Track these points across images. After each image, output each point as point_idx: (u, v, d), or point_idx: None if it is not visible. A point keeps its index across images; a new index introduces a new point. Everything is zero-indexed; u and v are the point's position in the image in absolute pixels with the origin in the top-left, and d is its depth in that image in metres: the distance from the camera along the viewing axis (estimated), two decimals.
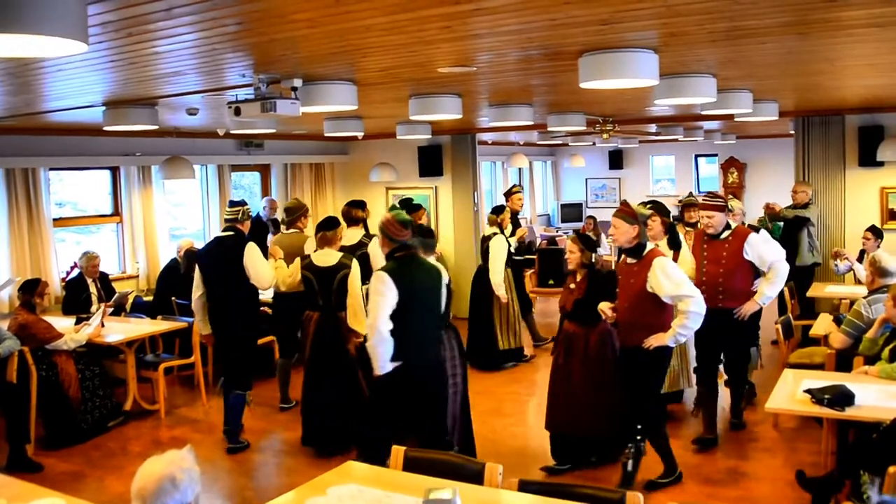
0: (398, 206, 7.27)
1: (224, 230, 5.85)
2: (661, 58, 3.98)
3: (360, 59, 4.00)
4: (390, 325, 4.15)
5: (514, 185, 9.29)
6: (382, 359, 4.19)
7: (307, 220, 7.09)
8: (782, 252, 5.45)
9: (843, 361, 4.83)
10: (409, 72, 4.58)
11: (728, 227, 5.44)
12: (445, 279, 4.54)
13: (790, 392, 4.18)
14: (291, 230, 6.98)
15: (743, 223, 5.86)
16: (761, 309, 5.61)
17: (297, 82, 4.42)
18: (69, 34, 2.17)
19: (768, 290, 5.30)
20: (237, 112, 4.31)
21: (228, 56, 3.72)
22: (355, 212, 7.06)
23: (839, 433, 4.12)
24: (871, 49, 4.25)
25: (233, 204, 5.88)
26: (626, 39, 3.67)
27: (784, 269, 5.30)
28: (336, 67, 4.27)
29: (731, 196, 6.72)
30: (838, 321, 5.12)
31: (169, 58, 3.67)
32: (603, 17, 3.14)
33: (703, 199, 5.56)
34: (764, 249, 5.34)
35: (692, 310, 4.42)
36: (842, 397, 3.81)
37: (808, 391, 3.97)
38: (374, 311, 4.17)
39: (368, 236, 6.93)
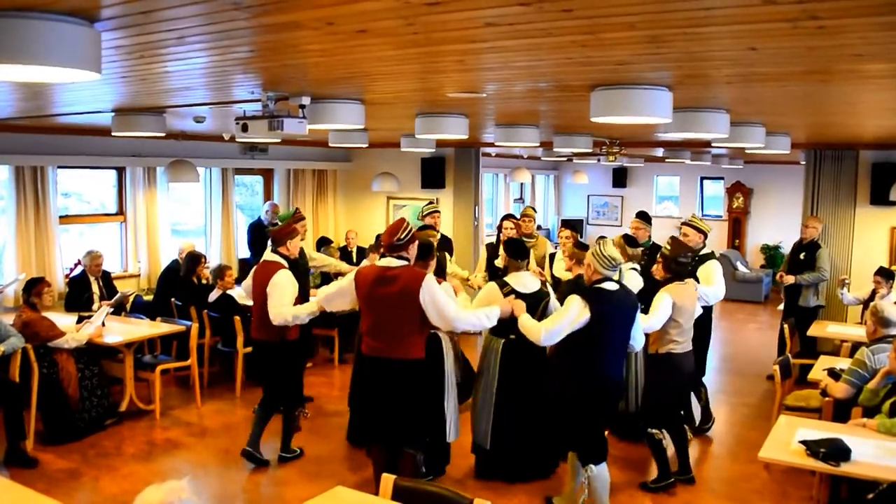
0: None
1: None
2: (674, 93, 3.91)
3: (370, 83, 3.98)
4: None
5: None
6: None
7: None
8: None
9: (840, 409, 4.72)
10: (418, 95, 4.57)
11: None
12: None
13: (784, 441, 4.04)
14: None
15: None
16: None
17: (306, 100, 4.40)
18: (83, 66, 2.18)
19: None
20: (245, 129, 4.30)
21: (238, 77, 3.71)
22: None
23: (832, 485, 4.03)
24: (893, 95, 4.20)
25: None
26: (640, 77, 3.62)
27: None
28: (345, 89, 4.26)
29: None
30: (835, 376, 4.96)
31: (179, 76, 3.66)
32: (620, 58, 3.10)
33: None
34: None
35: None
36: (838, 452, 3.71)
37: (804, 442, 3.84)
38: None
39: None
